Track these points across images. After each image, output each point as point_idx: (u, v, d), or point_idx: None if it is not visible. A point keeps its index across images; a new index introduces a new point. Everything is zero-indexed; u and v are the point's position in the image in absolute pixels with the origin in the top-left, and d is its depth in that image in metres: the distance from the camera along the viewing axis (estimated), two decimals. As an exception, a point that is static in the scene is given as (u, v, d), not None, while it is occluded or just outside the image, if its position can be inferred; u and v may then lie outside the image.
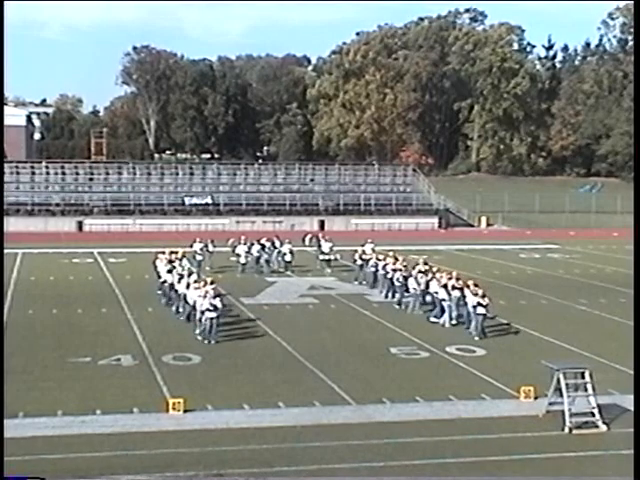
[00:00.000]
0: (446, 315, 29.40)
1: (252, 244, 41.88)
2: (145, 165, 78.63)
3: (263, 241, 42.42)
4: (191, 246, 40.92)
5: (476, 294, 27.81)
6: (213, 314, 26.50)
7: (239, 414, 19.60)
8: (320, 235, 45.43)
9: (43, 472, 15.27)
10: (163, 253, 35.13)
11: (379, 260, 36.26)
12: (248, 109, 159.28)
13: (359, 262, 38.87)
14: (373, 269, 36.83)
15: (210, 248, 42.14)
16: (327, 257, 42.78)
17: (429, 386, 22.13)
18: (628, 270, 41.85)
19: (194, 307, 27.37)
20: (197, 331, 26.96)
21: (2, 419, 17.93)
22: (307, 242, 46.70)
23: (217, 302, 26.61)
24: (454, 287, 29.27)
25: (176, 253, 35.62)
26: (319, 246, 43.71)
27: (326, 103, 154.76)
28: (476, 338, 27.40)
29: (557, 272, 44.74)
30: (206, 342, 26.37)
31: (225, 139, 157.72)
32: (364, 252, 39.39)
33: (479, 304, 27.61)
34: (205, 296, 26.57)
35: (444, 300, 29.52)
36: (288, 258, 42.36)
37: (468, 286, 28.51)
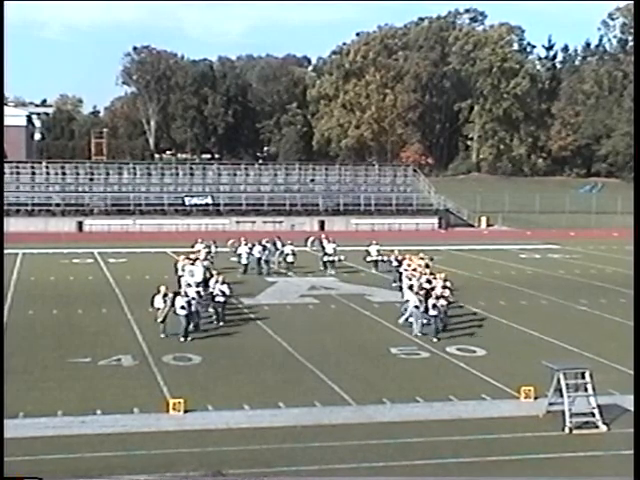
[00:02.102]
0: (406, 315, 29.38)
1: (254, 245, 41.76)
2: (145, 165, 78.68)
3: (264, 242, 42.29)
4: (192, 247, 40.84)
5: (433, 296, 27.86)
6: (184, 312, 27.02)
7: (239, 414, 19.60)
8: (323, 236, 45.20)
9: (43, 472, 15.28)
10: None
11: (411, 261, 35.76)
12: (248, 109, 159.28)
13: (395, 263, 38.03)
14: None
15: (212, 249, 41.94)
16: (331, 258, 42.59)
17: (429, 386, 22.13)
18: (628, 270, 41.84)
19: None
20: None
21: (2, 419, 17.93)
22: (309, 245, 46.54)
23: (190, 300, 27.41)
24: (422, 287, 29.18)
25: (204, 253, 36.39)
26: (322, 248, 43.54)
27: (326, 103, 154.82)
28: (420, 336, 27.49)
29: (557, 272, 44.73)
30: (182, 339, 26.79)
31: (225, 139, 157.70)
32: (400, 253, 38.46)
33: (434, 306, 27.56)
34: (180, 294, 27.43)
35: (407, 301, 29.43)
36: (290, 259, 42.21)
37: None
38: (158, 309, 27.67)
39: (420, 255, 36.49)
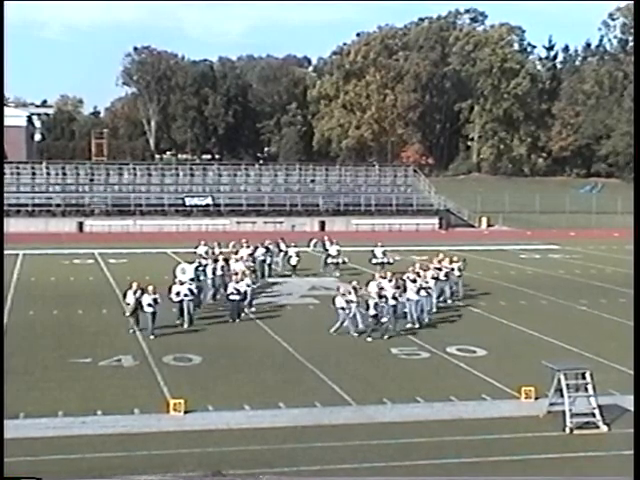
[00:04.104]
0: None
1: (256, 247, 41.16)
2: (146, 166, 78.72)
3: (267, 244, 41.73)
4: (196, 247, 40.46)
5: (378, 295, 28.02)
6: (151, 309, 27.58)
7: (240, 415, 19.60)
8: (326, 238, 44.70)
9: (44, 473, 15.29)
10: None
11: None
12: (249, 110, 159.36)
13: (436, 265, 37.20)
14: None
15: (216, 251, 41.06)
16: (335, 260, 42.27)
17: (430, 387, 22.13)
18: (628, 270, 41.82)
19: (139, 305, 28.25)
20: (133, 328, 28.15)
21: (2, 419, 17.93)
22: (312, 246, 46.23)
23: (157, 297, 27.90)
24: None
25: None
26: (325, 249, 43.20)
27: (327, 104, 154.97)
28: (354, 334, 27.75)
29: (557, 272, 44.74)
30: (151, 337, 27.35)
31: (226, 140, 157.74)
32: (445, 255, 37.06)
33: (375, 305, 27.53)
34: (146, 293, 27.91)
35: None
36: (294, 261, 41.85)
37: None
38: (128, 304, 28.30)
39: (454, 257, 36.14)
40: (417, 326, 29.16)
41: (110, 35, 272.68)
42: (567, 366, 19.66)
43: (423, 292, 29.81)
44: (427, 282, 30.46)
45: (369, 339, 27.31)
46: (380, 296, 27.74)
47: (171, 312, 29.75)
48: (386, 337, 27.44)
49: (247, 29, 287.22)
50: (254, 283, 34.11)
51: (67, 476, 15.84)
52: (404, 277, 30.19)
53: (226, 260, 35.80)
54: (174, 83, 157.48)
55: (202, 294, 32.73)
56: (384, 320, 27.80)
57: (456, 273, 34.95)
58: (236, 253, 38.61)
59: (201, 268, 34.46)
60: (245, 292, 31.24)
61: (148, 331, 27.50)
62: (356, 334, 27.87)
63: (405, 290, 29.38)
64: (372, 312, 27.50)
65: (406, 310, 29.39)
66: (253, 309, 32.25)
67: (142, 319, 27.93)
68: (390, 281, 29.54)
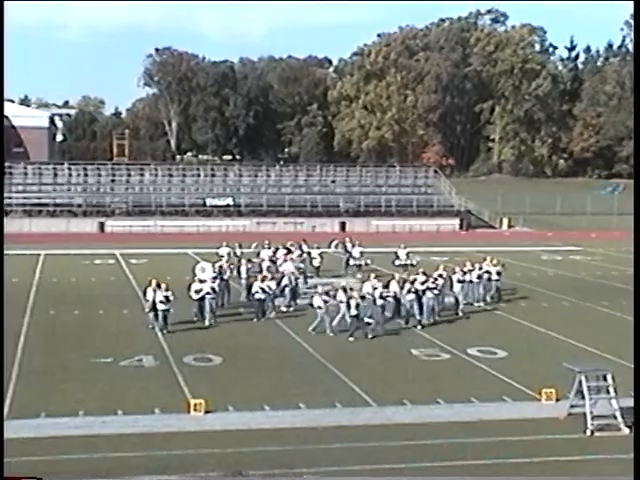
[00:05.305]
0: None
1: (277, 248, 40.86)
2: (167, 166, 78.93)
3: (289, 245, 41.47)
4: (218, 248, 40.36)
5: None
6: (164, 306, 28.13)
7: (260, 415, 19.64)
8: (347, 240, 44.46)
9: (64, 472, 15.38)
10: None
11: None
12: (269, 110, 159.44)
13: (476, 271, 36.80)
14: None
15: (237, 252, 40.84)
16: (357, 262, 42.10)
17: (450, 388, 22.09)
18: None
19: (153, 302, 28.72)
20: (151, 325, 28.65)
21: (2, 420, 18.00)
22: (333, 247, 45.94)
23: (169, 295, 28.44)
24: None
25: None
26: (346, 251, 43.02)
27: (347, 104, 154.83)
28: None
29: (579, 274, 44.55)
30: (160, 332, 27.99)
31: (246, 140, 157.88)
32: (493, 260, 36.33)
33: (357, 305, 27.60)
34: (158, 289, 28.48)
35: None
36: (317, 263, 41.71)
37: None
38: (147, 300, 28.83)
39: (494, 261, 35.86)
40: (404, 324, 29.50)
41: (130, 36, 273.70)
42: (588, 368, 19.60)
43: (429, 293, 29.88)
44: (435, 283, 30.46)
45: (351, 339, 27.41)
46: (362, 297, 27.86)
47: (191, 311, 29.93)
48: (370, 336, 27.57)
49: (268, 30, 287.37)
50: (301, 284, 35.27)
51: (88, 475, 15.89)
52: (411, 278, 30.35)
53: (272, 261, 36.11)
54: (195, 84, 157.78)
55: (224, 293, 32.99)
56: (368, 320, 27.90)
57: (494, 277, 34.77)
58: (257, 255, 38.63)
59: (231, 267, 35.10)
60: (273, 291, 31.67)
61: (159, 327, 28.07)
62: (332, 333, 28.08)
63: (402, 289, 29.62)
64: (353, 312, 27.65)
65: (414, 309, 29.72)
66: (292, 309, 32.80)
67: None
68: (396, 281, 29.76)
